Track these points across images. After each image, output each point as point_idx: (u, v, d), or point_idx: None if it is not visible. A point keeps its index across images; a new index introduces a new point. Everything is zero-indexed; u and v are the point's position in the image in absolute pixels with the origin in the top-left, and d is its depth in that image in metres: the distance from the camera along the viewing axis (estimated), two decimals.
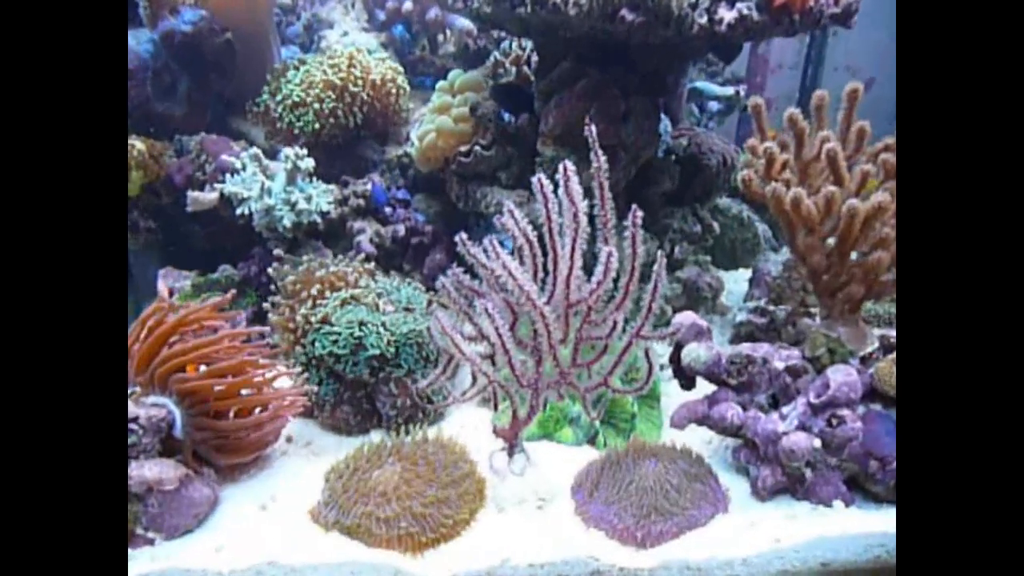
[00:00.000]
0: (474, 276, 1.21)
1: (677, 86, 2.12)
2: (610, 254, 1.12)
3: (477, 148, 1.82)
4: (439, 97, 1.93)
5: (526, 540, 1.11)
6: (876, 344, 1.30)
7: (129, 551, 1.06)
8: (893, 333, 1.28)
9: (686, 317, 1.36)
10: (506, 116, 1.81)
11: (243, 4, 2.12)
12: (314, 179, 1.85)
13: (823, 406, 1.22)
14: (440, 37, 2.62)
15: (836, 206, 1.15)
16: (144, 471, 1.08)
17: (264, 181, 1.70)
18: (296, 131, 1.94)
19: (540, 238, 1.18)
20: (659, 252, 1.17)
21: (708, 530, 1.17)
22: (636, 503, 1.20)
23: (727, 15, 1.34)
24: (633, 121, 1.69)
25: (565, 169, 1.13)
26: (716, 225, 2.23)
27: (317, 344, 1.34)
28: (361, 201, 1.91)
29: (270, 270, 1.65)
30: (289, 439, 1.44)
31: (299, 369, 1.37)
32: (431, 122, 1.86)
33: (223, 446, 1.23)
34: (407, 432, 1.30)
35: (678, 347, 1.41)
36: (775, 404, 1.35)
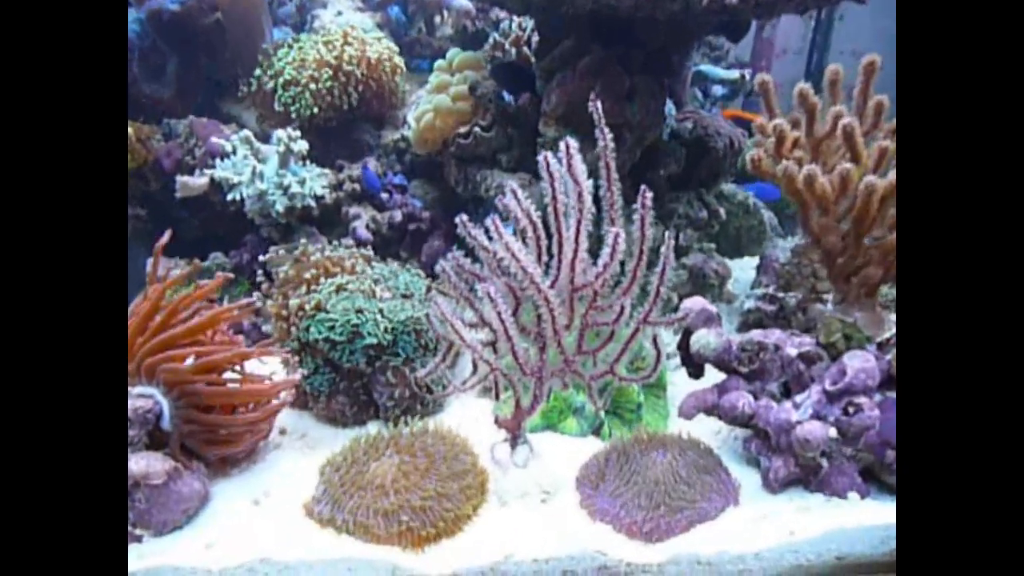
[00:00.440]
0: (475, 260, 1.17)
1: (682, 67, 2.07)
2: (617, 236, 1.08)
3: (476, 129, 1.77)
4: (437, 76, 1.88)
5: (530, 534, 1.09)
6: (894, 330, 1.26)
7: None
8: None
9: (695, 302, 1.32)
10: (507, 96, 1.76)
11: None
12: (308, 162, 1.80)
13: (839, 393, 1.18)
14: (437, 18, 2.56)
15: (852, 184, 1.11)
16: (130, 465, 1.05)
17: (256, 165, 1.66)
18: (291, 113, 1.89)
19: (544, 220, 1.14)
20: (666, 234, 1.13)
21: (719, 523, 1.15)
22: (644, 495, 1.17)
23: None
24: (638, 100, 1.65)
25: (568, 147, 1.09)
26: (722, 211, 2.19)
27: (312, 329, 1.30)
28: (357, 186, 1.86)
29: (262, 258, 1.60)
30: (283, 431, 1.41)
31: (291, 349, 1.32)
32: (428, 102, 1.81)
33: (213, 438, 1.19)
34: (405, 423, 1.27)
35: (686, 334, 1.38)
36: (787, 393, 1.32)
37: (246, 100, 2.06)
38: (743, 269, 2.41)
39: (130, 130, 1.80)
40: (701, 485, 1.20)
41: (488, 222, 1.07)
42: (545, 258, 1.16)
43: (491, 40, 2.04)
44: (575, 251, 1.12)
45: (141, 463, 1.06)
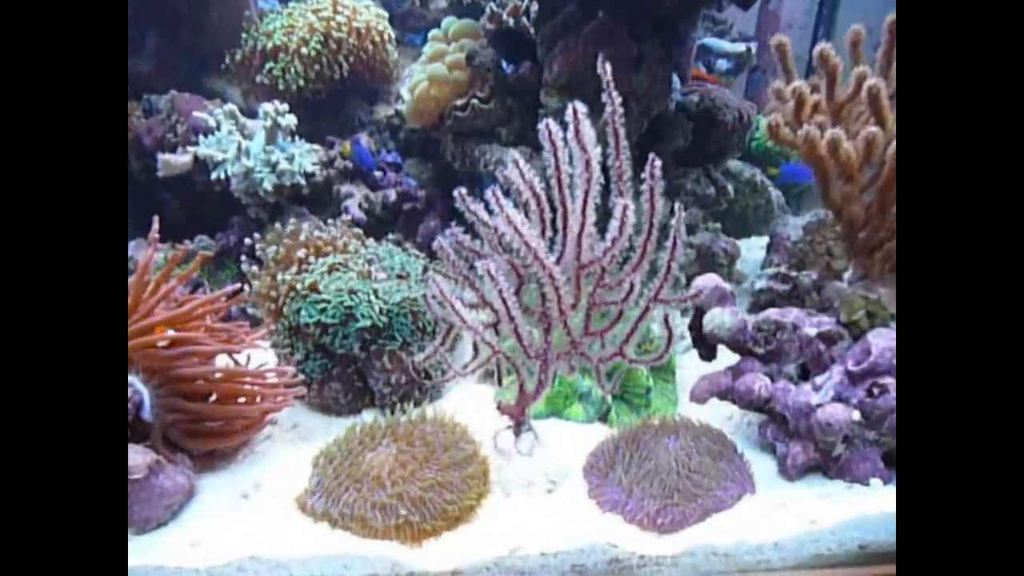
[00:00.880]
0: (475, 237, 1.12)
1: (687, 38, 2.00)
2: (626, 207, 1.02)
3: (474, 101, 1.70)
4: (432, 46, 1.81)
5: (536, 527, 1.05)
6: None
7: None
8: None
9: (708, 280, 1.27)
10: (506, 65, 1.69)
11: None
12: (296, 138, 1.73)
13: (863, 374, 1.13)
14: None
15: (878, 150, 1.05)
16: None
17: (241, 141, 1.59)
18: (279, 85, 1.81)
19: (547, 195, 1.09)
20: (677, 206, 1.07)
21: (735, 512, 1.11)
22: (656, 484, 1.13)
23: None
24: (645, 68, 1.58)
25: (576, 111, 1.03)
26: (730, 188, 2.13)
27: (303, 312, 1.24)
28: (349, 163, 1.79)
29: (249, 239, 1.53)
30: (274, 422, 1.35)
31: (280, 333, 1.26)
32: (423, 71, 1.73)
33: (200, 431, 1.13)
34: (403, 411, 1.22)
35: (698, 313, 1.32)
36: (805, 375, 1.27)
37: (231, 74, 1.98)
38: (750, 249, 2.38)
39: None
40: (716, 472, 1.15)
41: (488, 194, 1.01)
42: (549, 233, 1.11)
43: (488, 11, 1.96)
44: (582, 224, 1.07)
45: None
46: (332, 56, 1.81)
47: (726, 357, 1.36)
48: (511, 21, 1.92)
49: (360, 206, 1.79)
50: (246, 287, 1.39)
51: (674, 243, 1.07)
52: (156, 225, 1.14)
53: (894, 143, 1.06)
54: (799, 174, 2.39)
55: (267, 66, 1.83)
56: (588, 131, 1.04)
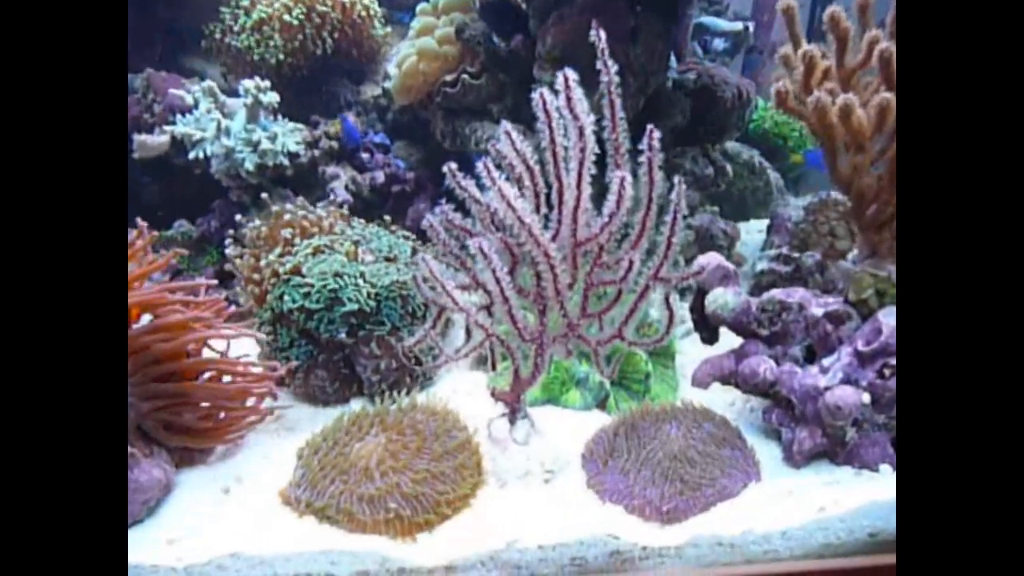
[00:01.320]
0: (466, 215, 1.07)
1: (684, 15, 1.95)
2: (623, 179, 0.98)
3: (465, 76, 1.64)
4: (420, 21, 1.74)
5: (533, 518, 1.02)
6: None
7: None
8: None
9: (711, 258, 1.22)
10: (497, 39, 1.63)
11: None
12: (279, 117, 1.67)
13: (873, 355, 1.09)
14: None
15: (891, 117, 1.00)
16: None
17: (221, 119, 1.52)
18: (257, 57, 1.74)
19: (542, 171, 1.05)
20: (677, 179, 1.03)
21: (741, 501, 1.08)
22: (658, 472, 1.10)
23: None
24: (642, 41, 1.53)
25: (567, 79, 0.98)
26: (729, 168, 2.08)
27: (286, 298, 1.19)
28: (334, 143, 1.74)
29: (232, 224, 1.48)
30: (272, 411, 1.30)
31: (266, 326, 1.21)
32: (412, 46, 1.67)
33: (174, 424, 1.08)
34: (392, 399, 1.18)
35: (700, 294, 1.28)
36: (811, 358, 1.23)
37: (210, 52, 1.91)
38: (749, 233, 2.35)
39: None
40: (720, 460, 1.13)
41: (480, 166, 0.96)
42: (544, 210, 1.06)
43: None
44: (577, 199, 1.03)
45: None
46: (316, 30, 1.75)
47: (727, 342, 1.34)
48: None
49: (347, 188, 1.73)
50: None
51: (674, 218, 1.03)
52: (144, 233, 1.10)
53: None
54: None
55: (242, 37, 1.76)
56: (581, 101, 0.99)
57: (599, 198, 1.03)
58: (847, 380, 1.11)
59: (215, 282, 1.20)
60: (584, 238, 1.05)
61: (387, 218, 1.79)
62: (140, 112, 1.72)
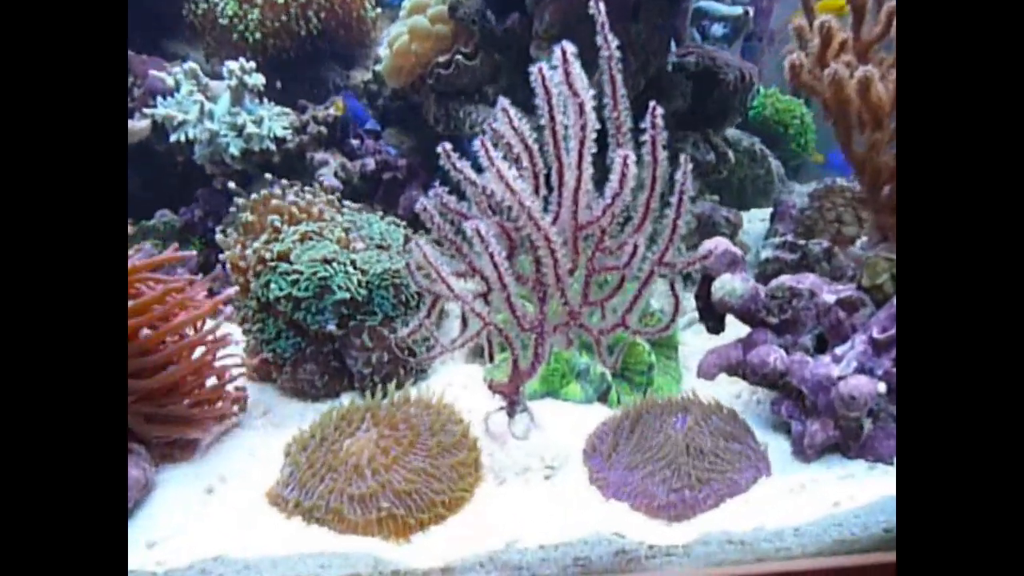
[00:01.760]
0: (462, 199, 1.03)
1: None
2: (627, 157, 0.94)
3: (459, 57, 1.59)
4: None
5: (534, 517, 0.99)
6: None
7: None
8: None
9: (718, 243, 1.18)
10: (492, 17, 1.58)
11: None
12: (265, 101, 1.61)
13: (889, 342, 1.05)
14: None
15: None
16: None
17: (204, 102, 1.47)
18: (239, 34, 1.67)
19: (541, 152, 1.01)
20: (683, 158, 0.99)
21: (751, 497, 1.05)
22: (665, 467, 1.07)
23: None
24: (643, 18, 1.48)
25: (564, 52, 0.94)
26: (731, 154, 2.04)
27: (273, 286, 1.14)
28: (323, 129, 1.69)
29: (217, 212, 1.43)
30: (243, 408, 1.26)
31: (252, 316, 1.16)
32: (403, 24, 1.62)
33: (154, 415, 1.03)
34: (383, 393, 1.14)
35: (706, 281, 1.24)
36: (821, 348, 1.19)
37: (193, 34, 1.85)
38: (751, 221, 2.33)
39: None
40: (729, 454, 1.10)
41: (476, 144, 0.91)
42: (543, 192, 1.02)
43: None
44: (578, 180, 0.98)
45: None
46: (300, 9, 1.69)
47: (731, 334, 1.30)
48: None
49: (336, 175, 1.68)
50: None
51: (680, 199, 1.00)
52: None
53: None
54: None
55: (228, 11, 1.69)
56: (580, 73, 0.95)
57: (599, 182, 0.99)
58: (861, 369, 1.08)
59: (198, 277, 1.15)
60: (585, 221, 1.01)
61: (378, 207, 1.75)
62: None
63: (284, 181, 1.30)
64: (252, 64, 1.55)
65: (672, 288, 1.05)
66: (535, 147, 1.01)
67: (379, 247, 1.27)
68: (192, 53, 1.93)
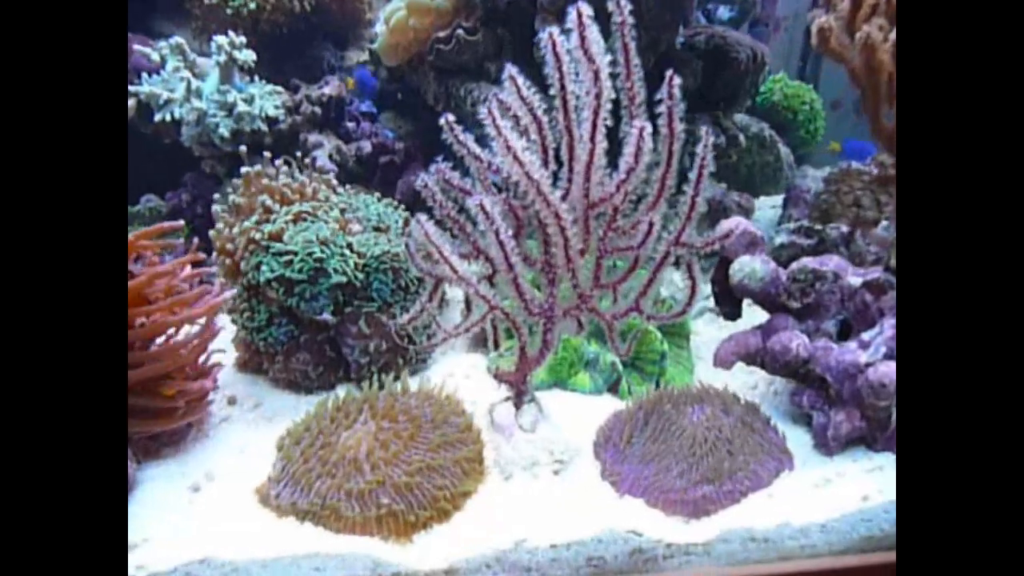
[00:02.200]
0: (465, 174, 0.99)
1: None
2: (642, 130, 0.89)
3: (460, 32, 1.54)
4: None
5: (544, 514, 0.96)
6: None
7: None
8: None
9: (736, 222, 1.12)
10: None
11: None
12: (256, 79, 1.55)
13: None
14: None
15: None
16: None
17: (191, 79, 1.40)
18: (233, 10, 1.60)
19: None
20: (704, 130, 0.95)
21: (774, 492, 1.01)
22: (683, 461, 1.03)
23: None
24: None
25: (580, 16, 0.88)
26: (742, 137, 1.99)
27: (264, 267, 1.08)
28: (317, 109, 1.63)
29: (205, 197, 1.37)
30: (232, 401, 1.24)
31: (241, 302, 1.10)
32: None
33: (133, 407, 0.98)
34: (381, 384, 1.08)
35: (723, 262, 1.18)
36: (845, 334, 1.14)
37: (178, 11, 1.79)
38: (760, 209, 2.31)
39: None
40: (750, 447, 1.05)
41: (483, 112, 0.86)
42: (553, 167, 0.96)
43: None
44: (591, 154, 0.93)
45: None
46: None
47: (744, 322, 1.26)
48: None
49: (331, 158, 1.62)
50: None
51: (700, 173, 0.95)
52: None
53: None
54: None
55: None
56: (596, 39, 0.89)
57: (610, 158, 0.94)
58: (891, 356, 1.03)
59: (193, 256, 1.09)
60: (597, 198, 0.95)
61: (375, 192, 1.69)
62: None
63: (279, 161, 1.24)
64: (242, 39, 1.49)
65: (690, 270, 1.00)
66: (544, 119, 0.96)
67: (376, 229, 1.21)
68: (180, 33, 1.87)
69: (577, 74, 0.92)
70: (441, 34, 1.54)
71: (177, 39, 1.49)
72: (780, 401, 1.24)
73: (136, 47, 1.54)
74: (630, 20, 0.92)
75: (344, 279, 1.11)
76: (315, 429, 1.01)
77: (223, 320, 1.25)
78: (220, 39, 1.45)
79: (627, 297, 1.02)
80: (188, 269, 1.06)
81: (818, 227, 1.62)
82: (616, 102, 0.93)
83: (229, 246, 1.12)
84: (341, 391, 1.21)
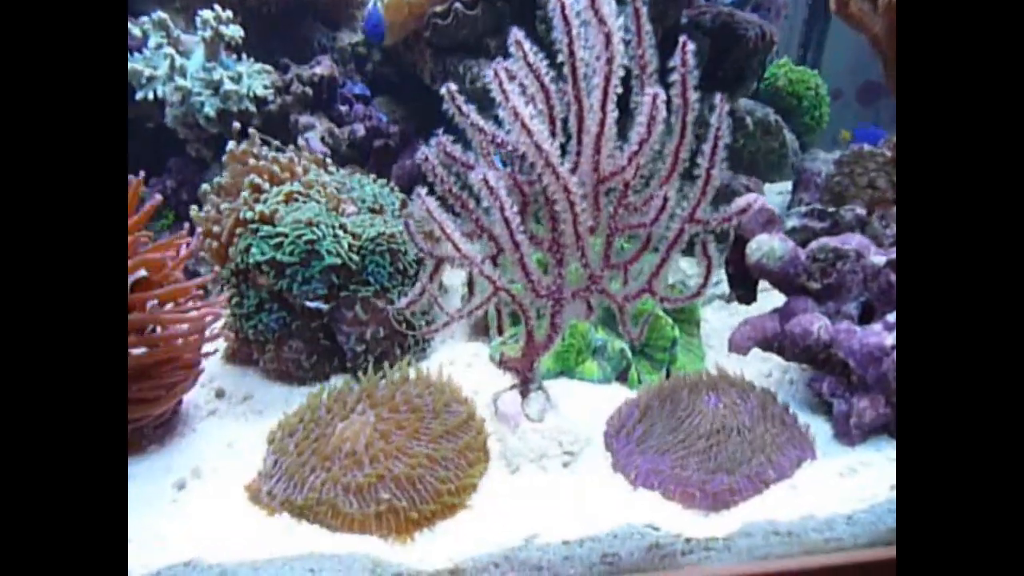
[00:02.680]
0: (467, 148, 0.95)
1: None
2: (655, 97, 0.85)
3: (458, 6, 1.49)
4: None
5: (554, 509, 0.93)
6: None
7: None
8: None
9: (753, 199, 1.07)
10: None
11: None
12: (244, 57, 1.50)
13: None
14: None
15: None
16: None
17: (175, 56, 1.35)
18: None
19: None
20: (719, 97, 0.91)
21: (796, 482, 0.98)
22: (700, 451, 0.99)
23: None
24: None
25: None
26: (749, 120, 1.95)
27: (254, 249, 1.03)
28: (308, 90, 1.57)
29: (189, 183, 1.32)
30: (220, 393, 1.20)
31: (229, 287, 1.05)
32: None
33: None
34: (380, 372, 1.04)
35: (738, 242, 1.14)
36: (867, 317, 1.10)
37: None
38: (767, 194, 2.25)
39: None
40: (769, 435, 1.01)
41: (489, 74, 0.81)
42: (561, 139, 0.92)
43: None
44: (601, 124, 0.89)
45: None
46: None
47: (756, 308, 1.23)
48: None
49: (323, 140, 1.57)
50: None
51: (715, 145, 0.91)
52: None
53: None
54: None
55: None
56: (606, 2, 0.85)
57: (620, 132, 0.90)
58: None
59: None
60: (608, 172, 0.91)
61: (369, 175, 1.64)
62: None
63: (263, 145, 1.19)
64: (229, 13, 1.43)
65: (704, 249, 0.96)
66: (552, 87, 0.91)
67: (372, 211, 1.16)
68: (161, 10, 1.82)
69: (587, 40, 0.88)
70: (438, 8, 1.49)
71: (160, 14, 1.44)
72: (796, 390, 1.21)
73: None
74: None
75: (338, 261, 1.06)
76: (310, 420, 0.97)
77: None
78: (206, 13, 1.40)
79: (637, 280, 0.99)
80: (185, 249, 1.02)
81: (831, 209, 1.58)
82: (625, 74, 0.89)
83: (215, 228, 1.07)
84: (336, 382, 1.18)
